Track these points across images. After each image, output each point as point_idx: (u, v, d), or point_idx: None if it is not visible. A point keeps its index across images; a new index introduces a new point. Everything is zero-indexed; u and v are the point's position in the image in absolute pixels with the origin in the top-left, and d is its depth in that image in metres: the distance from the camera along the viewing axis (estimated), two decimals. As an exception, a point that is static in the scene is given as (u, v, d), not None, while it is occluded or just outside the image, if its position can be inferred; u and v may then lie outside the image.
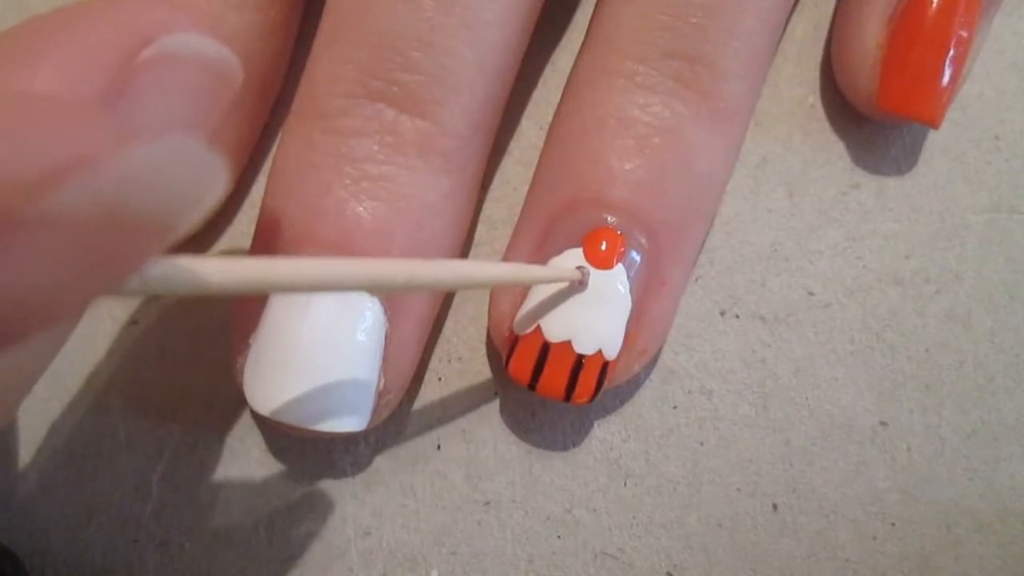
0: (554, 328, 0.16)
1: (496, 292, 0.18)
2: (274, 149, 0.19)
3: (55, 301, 0.08)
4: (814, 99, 0.20)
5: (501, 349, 0.18)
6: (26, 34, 0.10)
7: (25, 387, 0.14)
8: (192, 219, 0.09)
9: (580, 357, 0.16)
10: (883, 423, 0.19)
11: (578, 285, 0.16)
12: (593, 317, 0.16)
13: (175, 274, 0.10)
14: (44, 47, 0.10)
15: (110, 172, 0.08)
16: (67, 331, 0.15)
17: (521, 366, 0.17)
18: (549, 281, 0.16)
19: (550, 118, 0.19)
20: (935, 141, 0.20)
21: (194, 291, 0.10)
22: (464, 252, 0.19)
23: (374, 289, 0.16)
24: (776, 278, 0.19)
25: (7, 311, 0.08)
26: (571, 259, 0.17)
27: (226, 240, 0.20)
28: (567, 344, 0.16)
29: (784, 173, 0.20)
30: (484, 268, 0.16)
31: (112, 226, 0.08)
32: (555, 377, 0.17)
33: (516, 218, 0.19)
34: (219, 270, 0.10)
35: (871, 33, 0.18)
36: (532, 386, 0.17)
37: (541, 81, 0.20)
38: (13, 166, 0.07)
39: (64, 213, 0.07)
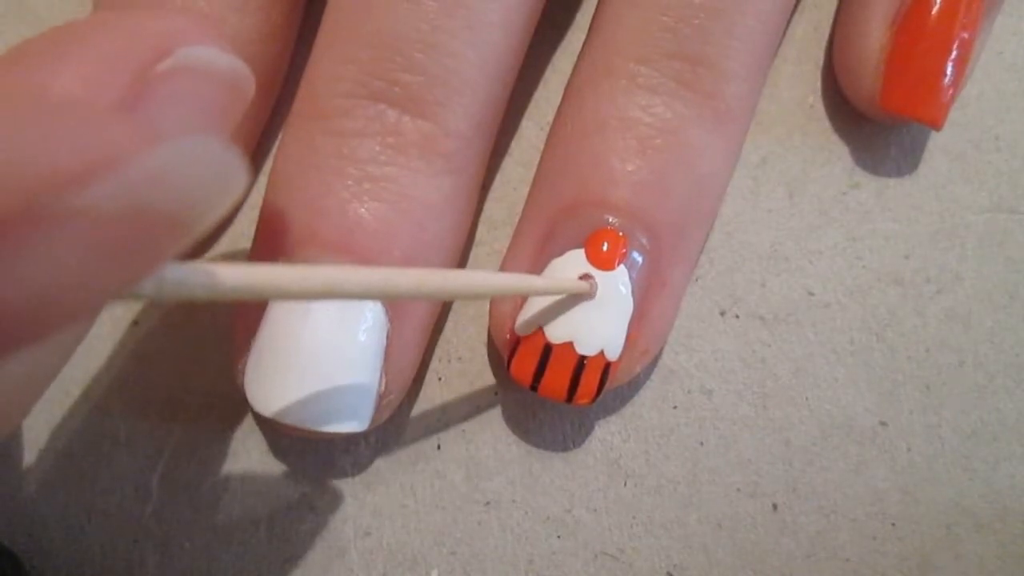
0: (556, 329, 0.16)
1: None
2: (274, 150, 0.19)
3: (76, 298, 0.08)
4: (814, 99, 0.20)
5: (503, 350, 0.18)
6: (45, 41, 0.10)
7: (35, 394, 0.14)
8: (211, 217, 0.09)
9: (582, 358, 0.16)
10: (883, 423, 0.19)
11: (586, 296, 0.16)
12: (595, 318, 0.16)
13: (190, 278, 0.10)
14: (63, 54, 0.10)
15: (134, 170, 0.08)
16: (75, 340, 0.15)
17: (523, 367, 0.17)
18: (558, 293, 0.16)
19: (550, 118, 0.19)
20: (935, 141, 0.20)
21: (207, 296, 0.10)
22: (465, 253, 0.19)
23: (383, 297, 0.16)
24: (776, 278, 0.19)
25: (30, 306, 0.08)
26: (573, 260, 0.17)
27: (226, 241, 0.20)
28: (569, 345, 0.16)
29: (784, 173, 0.20)
30: (493, 279, 0.16)
31: (134, 223, 0.08)
32: (557, 378, 0.17)
33: (516, 218, 0.19)
34: (233, 276, 0.10)
35: (874, 34, 0.18)
36: (534, 387, 0.17)
37: (541, 82, 0.20)
38: (41, 163, 0.08)
39: (89, 209, 0.08)
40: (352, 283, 0.11)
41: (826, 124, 0.20)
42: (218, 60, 0.11)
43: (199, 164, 0.09)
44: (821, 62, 0.20)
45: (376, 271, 0.12)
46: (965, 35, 0.18)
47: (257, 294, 0.10)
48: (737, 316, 0.19)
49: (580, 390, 0.17)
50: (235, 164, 0.09)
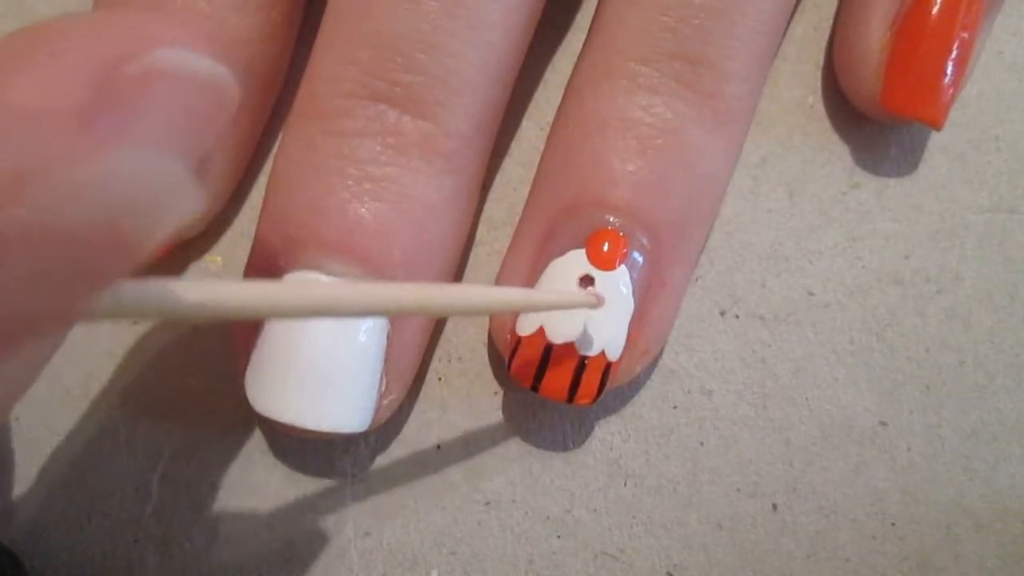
0: (557, 329, 0.16)
1: None
2: (274, 149, 0.19)
3: (18, 319, 0.08)
4: (814, 99, 0.20)
5: (503, 351, 0.18)
6: (3, 47, 0.09)
7: (5, 406, 0.14)
8: (159, 234, 0.09)
9: (583, 358, 0.16)
10: (883, 423, 0.19)
11: (592, 308, 0.16)
12: (596, 318, 0.16)
13: (151, 296, 0.09)
14: (22, 59, 0.09)
15: (61, 185, 0.08)
16: (49, 351, 0.14)
17: (524, 368, 0.17)
18: (563, 308, 0.16)
19: (550, 118, 0.19)
20: (935, 141, 0.20)
21: (167, 315, 0.09)
22: (465, 253, 0.19)
23: (374, 314, 0.15)
24: (776, 278, 0.19)
25: None
26: (573, 260, 0.17)
27: (226, 241, 0.20)
28: (570, 345, 0.16)
29: (784, 173, 0.20)
30: (495, 294, 0.16)
31: (73, 238, 0.08)
32: (558, 379, 0.16)
33: (516, 218, 0.19)
34: (194, 293, 0.10)
35: (875, 35, 0.18)
36: (535, 387, 0.17)
37: (542, 82, 0.20)
38: None
39: (25, 223, 0.07)
40: (332, 300, 0.11)
41: (826, 124, 0.20)
42: (194, 64, 0.10)
43: (145, 178, 0.08)
44: (821, 62, 0.20)
45: (364, 287, 0.12)
46: (965, 35, 0.18)
47: (221, 314, 0.10)
48: (737, 316, 0.19)
49: (581, 390, 0.17)
50: (185, 180, 0.09)
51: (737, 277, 0.19)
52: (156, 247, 0.09)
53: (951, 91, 0.18)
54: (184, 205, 0.09)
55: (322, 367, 0.16)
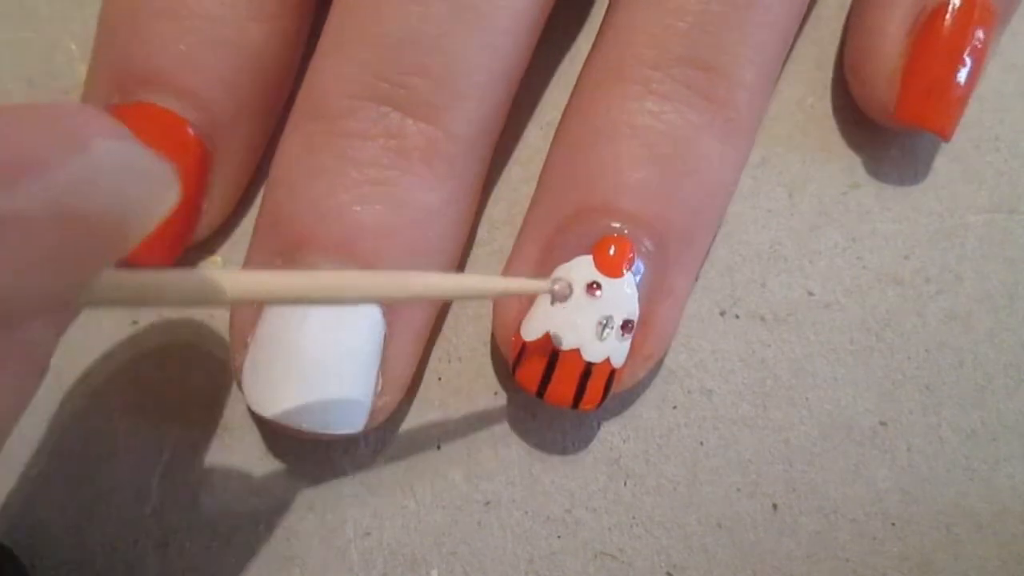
0: (565, 336, 0.16)
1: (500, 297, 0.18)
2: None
3: (9, 305, 0.08)
4: (814, 99, 0.20)
5: (507, 355, 0.17)
6: None
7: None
8: (145, 224, 0.09)
9: (589, 365, 0.16)
10: (883, 423, 0.19)
11: (557, 296, 0.16)
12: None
13: (125, 283, 0.10)
14: None
15: (62, 174, 0.08)
16: (34, 382, 0.14)
17: (529, 374, 0.17)
18: (518, 294, 0.16)
19: (551, 118, 0.19)
20: (935, 141, 0.20)
21: (148, 302, 0.10)
22: (465, 253, 0.19)
23: (321, 302, 0.15)
24: (776, 278, 0.19)
25: None
26: (580, 266, 0.16)
27: (231, 241, 0.20)
28: (576, 352, 0.16)
29: (784, 173, 0.20)
30: (453, 281, 0.15)
31: (64, 228, 0.08)
32: (563, 385, 0.16)
33: (516, 218, 0.19)
34: (178, 281, 0.10)
35: (891, 43, 0.18)
36: (540, 394, 0.17)
37: (542, 82, 0.20)
38: None
39: (15, 213, 0.08)
40: (278, 288, 0.11)
41: (826, 124, 0.20)
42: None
43: (126, 171, 0.09)
44: (821, 62, 0.20)
45: (316, 276, 0.12)
46: (978, 45, 0.18)
47: (198, 301, 0.10)
48: (737, 316, 0.19)
49: (586, 397, 0.16)
50: (165, 172, 0.09)
51: (737, 277, 0.19)
52: (143, 236, 0.09)
53: (963, 102, 0.18)
54: (167, 197, 0.09)
55: (317, 369, 0.16)
